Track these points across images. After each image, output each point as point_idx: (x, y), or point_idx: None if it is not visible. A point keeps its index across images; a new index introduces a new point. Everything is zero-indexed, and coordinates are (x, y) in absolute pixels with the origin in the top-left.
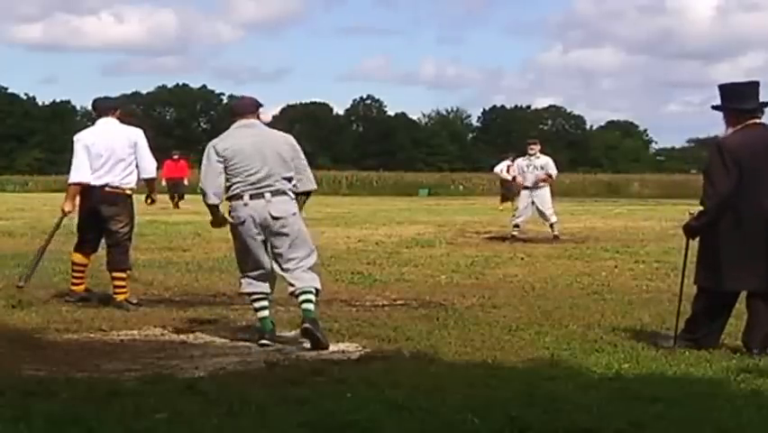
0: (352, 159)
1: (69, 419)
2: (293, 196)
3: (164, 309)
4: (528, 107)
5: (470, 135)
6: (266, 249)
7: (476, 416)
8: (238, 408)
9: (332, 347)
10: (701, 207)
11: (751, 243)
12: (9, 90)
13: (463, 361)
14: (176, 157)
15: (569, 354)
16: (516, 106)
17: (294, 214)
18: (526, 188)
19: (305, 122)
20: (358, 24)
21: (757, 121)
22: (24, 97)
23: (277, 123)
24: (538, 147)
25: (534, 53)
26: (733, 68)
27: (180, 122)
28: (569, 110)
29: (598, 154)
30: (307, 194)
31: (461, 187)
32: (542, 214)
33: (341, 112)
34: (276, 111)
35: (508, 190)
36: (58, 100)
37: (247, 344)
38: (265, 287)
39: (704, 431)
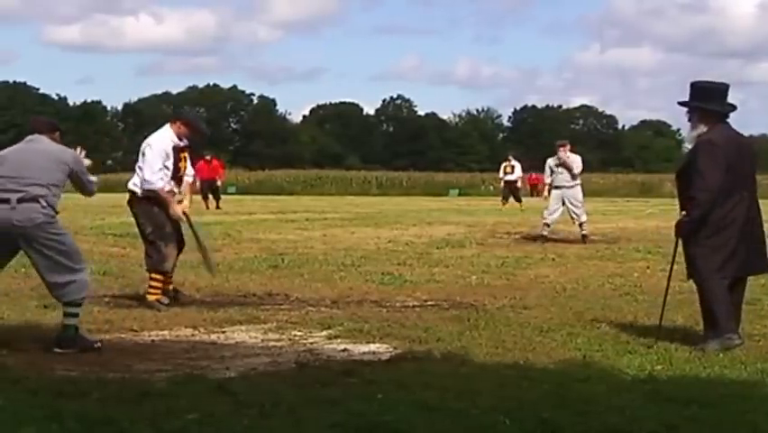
0: (382, 159)
1: (101, 420)
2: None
3: (195, 310)
4: (560, 107)
5: (501, 135)
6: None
7: (507, 417)
8: (269, 408)
9: (362, 348)
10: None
11: (733, 232)
12: (40, 91)
13: (494, 362)
14: (208, 158)
15: (601, 356)
16: (547, 106)
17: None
18: (557, 187)
19: (334, 122)
20: (394, 24)
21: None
22: (56, 98)
23: (306, 123)
24: (568, 147)
25: (571, 52)
26: None
27: (210, 122)
28: (600, 109)
29: (631, 154)
30: None
31: (491, 187)
32: (572, 212)
33: (371, 112)
34: (306, 111)
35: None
36: (89, 100)
37: (278, 344)
38: None
39: None
